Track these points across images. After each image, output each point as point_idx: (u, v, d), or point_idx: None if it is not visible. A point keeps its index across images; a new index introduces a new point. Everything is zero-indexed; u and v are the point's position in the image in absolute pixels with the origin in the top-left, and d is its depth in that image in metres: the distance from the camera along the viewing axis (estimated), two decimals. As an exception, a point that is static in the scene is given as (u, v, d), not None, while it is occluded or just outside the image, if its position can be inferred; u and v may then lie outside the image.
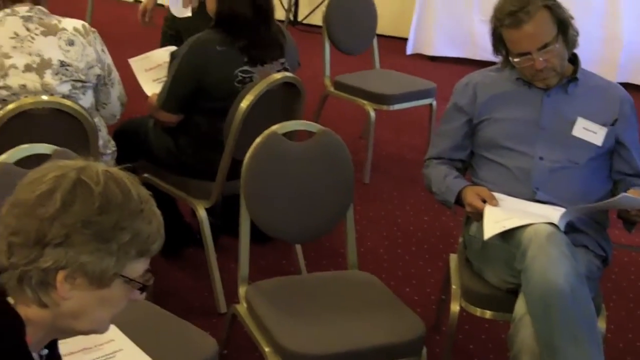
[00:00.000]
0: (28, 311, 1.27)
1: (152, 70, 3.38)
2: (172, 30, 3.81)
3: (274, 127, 2.52)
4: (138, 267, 1.30)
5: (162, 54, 3.45)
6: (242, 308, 2.42)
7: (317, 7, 6.71)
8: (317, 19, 6.60)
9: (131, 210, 1.27)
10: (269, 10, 3.03)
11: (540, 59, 2.45)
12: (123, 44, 4.79)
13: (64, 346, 1.45)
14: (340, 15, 4.47)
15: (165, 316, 2.24)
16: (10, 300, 1.27)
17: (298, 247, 3.25)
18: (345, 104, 4.60)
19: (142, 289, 1.31)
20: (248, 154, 2.47)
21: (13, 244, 1.23)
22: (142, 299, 1.33)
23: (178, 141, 3.07)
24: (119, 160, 2.96)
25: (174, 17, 3.74)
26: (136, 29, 4.48)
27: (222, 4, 2.93)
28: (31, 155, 2.24)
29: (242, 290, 2.46)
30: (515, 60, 2.51)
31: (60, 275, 1.23)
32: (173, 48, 3.50)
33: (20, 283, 1.24)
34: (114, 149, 2.94)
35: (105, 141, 2.87)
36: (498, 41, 2.55)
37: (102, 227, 1.24)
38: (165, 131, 3.10)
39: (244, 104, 2.85)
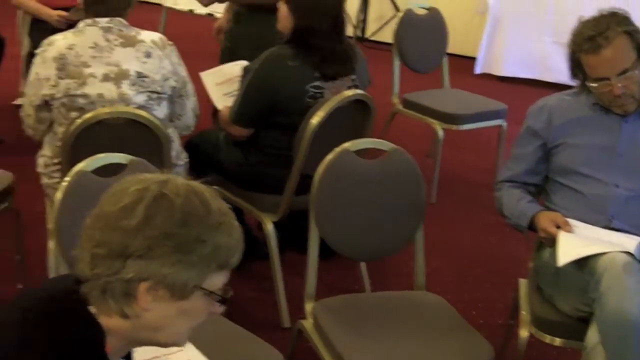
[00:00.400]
0: (109, 321, 1.28)
1: (223, 84, 3.42)
2: (230, 43, 3.85)
3: (346, 145, 2.51)
4: (218, 280, 1.30)
5: (234, 68, 3.48)
6: (308, 324, 2.41)
7: (386, 23, 6.71)
8: (385, 36, 6.61)
9: (212, 223, 1.27)
10: (344, 25, 3.03)
11: (619, 84, 2.40)
12: (194, 57, 4.83)
13: (134, 354, 1.47)
14: (411, 33, 4.46)
15: (231, 328, 2.24)
16: (92, 309, 1.29)
17: (363, 265, 3.24)
18: (412, 122, 4.58)
19: (222, 301, 1.32)
20: (319, 170, 2.47)
21: (96, 255, 1.25)
22: (221, 311, 1.34)
23: (248, 155, 3.09)
24: (190, 172, 2.99)
25: (232, 30, 3.78)
26: (208, 43, 4.53)
27: (301, 19, 2.93)
28: (108, 164, 2.27)
29: (308, 306, 2.46)
30: (593, 85, 2.46)
31: (143, 287, 1.24)
32: (244, 62, 3.53)
33: (103, 294, 1.26)
34: (186, 160, 2.97)
35: (178, 152, 2.90)
36: (576, 66, 2.50)
37: (184, 240, 1.24)
38: (235, 145, 3.12)
39: (315, 120, 2.86)
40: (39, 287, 1.38)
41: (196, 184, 1.31)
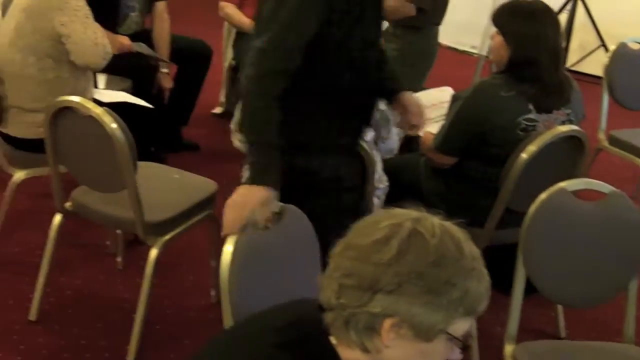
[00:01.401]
0: (350, 354, 1.26)
1: (427, 109, 3.37)
2: None
3: (563, 184, 2.40)
4: (462, 326, 1.26)
5: (437, 94, 3.45)
6: (509, 367, 2.33)
7: (589, 54, 6.47)
8: (587, 67, 6.38)
9: (464, 267, 1.23)
10: (562, 56, 2.92)
11: None
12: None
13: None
14: (624, 68, 4.25)
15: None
16: (333, 340, 1.27)
17: (560, 307, 3.10)
18: (616, 160, 4.36)
19: (463, 348, 1.27)
20: (532, 208, 2.37)
21: (344, 286, 1.23)
22: (460, 358, 1.29)
23: (449, 183, 3.02)
24: (389, 196, 2.96)
25: None
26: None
27: (519, 50, 2.85)
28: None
29: (508, 349, 2.37)
30: None
31: (387, 323, 1.22)
32: (448, 88, 3.49)
33: (346, 324, 1.24)
34: (387, 183, 2.94)
35: (380, 175, 2.88)
36: None
37: (435, 281, 1.21)
38: (436, 172, 3.06)
39: (526, 154, 2.76)
40: (281, 306, 1.40)
41: (450, 225, 1.27)
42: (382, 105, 2.78)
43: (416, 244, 1.22)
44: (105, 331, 2.99)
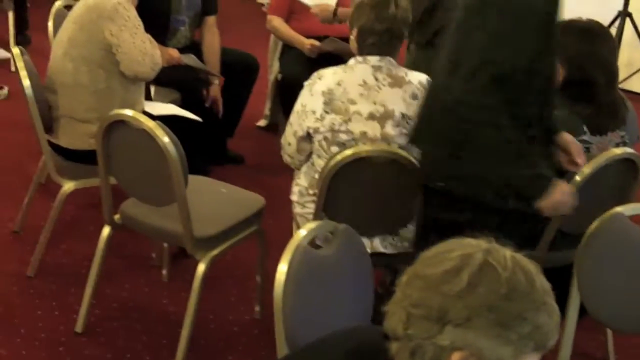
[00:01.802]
0: None
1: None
2: None
3: (619, 209, 2.37)
4: None
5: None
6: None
7: (637, 71, 6.38)
8: (635, 85, 6.30)
9: (535, 301, 1.20)
10: (617, 77, 2.88)
11: None
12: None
13: None
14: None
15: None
16: (397, 371, 1.25)
17: (610, 332, 3.05)
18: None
19: None
20: (588, 232, 2.34)
21: (413, 316, 1.21)
22: None
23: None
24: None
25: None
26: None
27: (574, 71, 2.81)
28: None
29: (560, 375, 2.33)
30: None
31: (455, 356, 1.19)
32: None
33: (412, 356, 1.22)
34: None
35: (429, 195, 2.86)
36: None
37: (505, 314, 1.18)
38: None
39: (579, 176, 2.71)
40: (344, 332, 1.38)
41: (521, 257, 1.24)
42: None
43: (487, 276, 1.19)
44: (150, 344, 2.99)
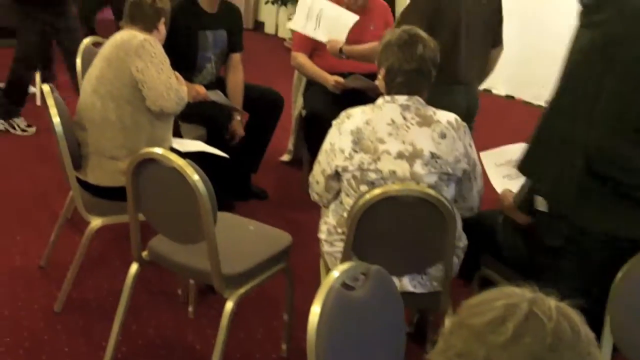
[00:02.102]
0: None
1: (502, 165, 3.34)
2: None
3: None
4: None
5: (515, 151, 3.40)
6: None
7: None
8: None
9: (580, 352, 1.19)
10: None
11: None
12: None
13: None
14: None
15: None
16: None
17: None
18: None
19: None
20: (620, 274, 2.32)
21: None
22: None
23: (528, 242, 2.98)
24: (467, 254, 2.93)
25: None
26: (489, 121, 4.45)
27: None
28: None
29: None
30: None
31: None
32: (524, 145, 3.44)
33: None
34: (466, 242, 2.91)
35: (459, 234, 2.85)
36: None
37: None
38: (516, 230, 3.02)
39: (609, 215, 2.71)
40: None
41: (566, 307, 1.23)
42: (464, 164, 2.75)
43: (533, 326, 1.19)
44: (177, 382, 2.99)
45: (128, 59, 3.27)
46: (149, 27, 3.45)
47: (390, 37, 2.82)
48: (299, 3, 3.99)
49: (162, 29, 3.50)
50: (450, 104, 3.72)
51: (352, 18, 3.74)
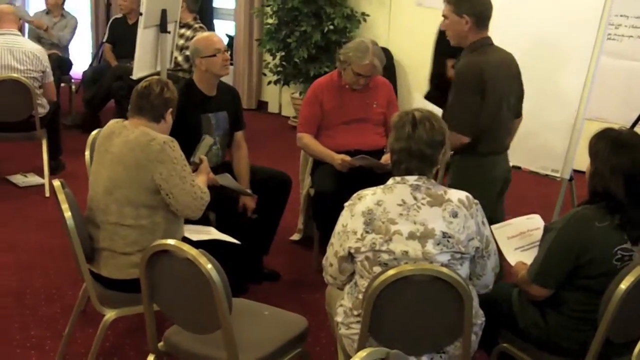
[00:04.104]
0: None
1: (514, 237, 3.35)
2: None
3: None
4: None
5: (525, 223, 3.42)
6: None
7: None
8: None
9: None
10: None
11: None
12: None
13: None
14: None
15: None
16: None
17: None
18: None
19: None
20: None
21: None
22: None
23: (545, 316, 2.96)
24: (485, 329, 2.91)
25: None
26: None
27: (594, 181, 2.89)
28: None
29: None
30: None
31: None
32: (536, 216, 3.46)
33: None
34: (483, 319, 2.89)
35: (476, 310, 2.83)
36: None
37: None
38: (531, 303, 3.01)
39: (624, 284, 2.69)
40: None
41: None
42: (476, 242, 2.75)
43: None
44: None
45: (150, 165, 3.24)
46: (156, 117, 3.39)
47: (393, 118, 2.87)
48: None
49: (169, 119, 3.45)
50: (499, 172, 3.82)
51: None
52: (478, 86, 3.61)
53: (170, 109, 3.44)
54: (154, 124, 3.38)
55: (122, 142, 3.32)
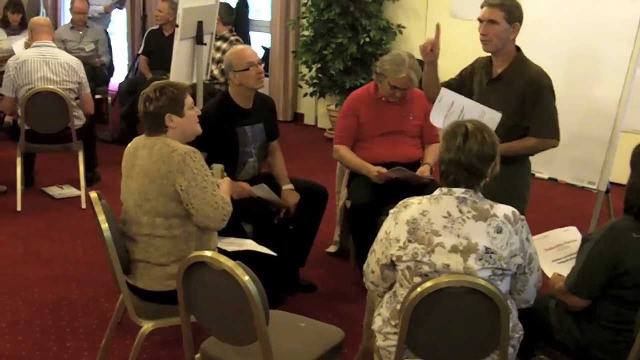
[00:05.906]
0: None
1: (551, 250, 3.33)
2: None
3: None
4: None
5: (562, 234, 3.40)
6: None
7: None
8: None
9: None
10: None
11: None
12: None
13: None
14: None
15: None
16: None
17: None
18: None
19: None
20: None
21: None
22: None
23: (582, 327, 2.92)
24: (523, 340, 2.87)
25: None
26: (534, 205, 4.37)
27: (630, 193, 2.87)
28: None
29: None
30: None
31: None
32: (572, 228, 3.43)
33: None
34: (521, 332, 2.85)
35: (514, 324, 2.80)
36: None
37: None
38: (568, 314, 2.97)
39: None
40: None
41: None
42: (519, 259, 2.72)
43: None
44: None
45: (170, 175, 3.24)
46: (158, 130, 3.36)
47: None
48: (436, 103, 3.96)
49: (177, 119, 3.34)
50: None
51: (497, 115, 3.71)
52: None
53: (169, 113, 3.33)
54: (163, 135, 3.35)
55: (146, 154, 3.33)
